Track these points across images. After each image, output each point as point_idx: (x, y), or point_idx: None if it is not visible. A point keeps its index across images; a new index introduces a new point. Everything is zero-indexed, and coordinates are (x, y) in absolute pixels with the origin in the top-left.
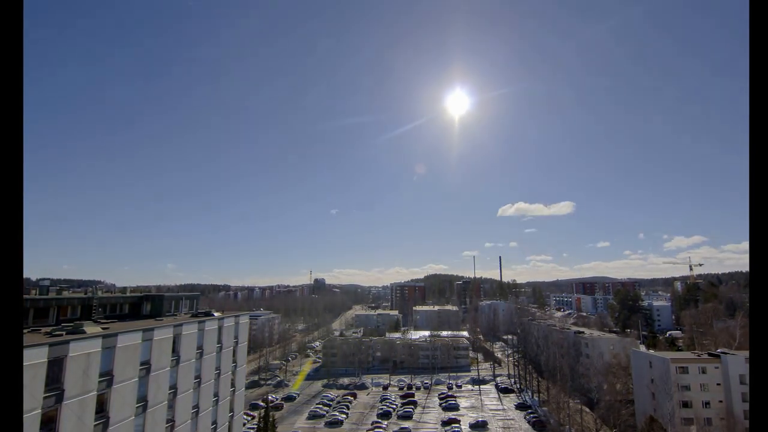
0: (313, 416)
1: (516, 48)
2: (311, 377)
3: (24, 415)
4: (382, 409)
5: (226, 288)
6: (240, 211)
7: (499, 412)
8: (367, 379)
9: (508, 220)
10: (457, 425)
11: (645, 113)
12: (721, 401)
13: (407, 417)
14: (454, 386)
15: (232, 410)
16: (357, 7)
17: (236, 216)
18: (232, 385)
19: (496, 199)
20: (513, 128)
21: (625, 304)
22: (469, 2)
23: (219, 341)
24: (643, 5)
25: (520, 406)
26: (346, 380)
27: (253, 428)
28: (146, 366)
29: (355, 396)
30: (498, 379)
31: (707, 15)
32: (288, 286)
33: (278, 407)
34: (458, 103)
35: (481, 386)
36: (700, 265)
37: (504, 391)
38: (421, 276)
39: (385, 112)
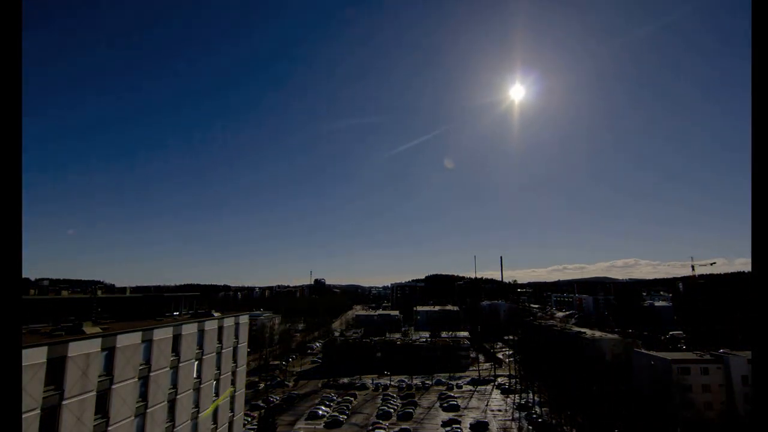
0: (313, 417)
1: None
2: (311, 377)
3: (23, 415)
4: (382, 409)
5: (226, 288)
6: (240, 210)
7: (499, 413)
8: (368, 379)
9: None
10: (458, 425)
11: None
12: (723, 402)
13: (407, 417)
14: (454, 386)
15: (232, 410)
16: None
17: (237, 216)
18: (232, 385)
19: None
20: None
21: (626, 305)
22: None
23: (219, 341)
24: None
25: (520, 407)
26: (346, 380)
27: (253, 428)
28: (146, 366)
29: (355, 396)
30: (499, 379)
31: None
32: (288, 286)
33: (278, 407)
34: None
35: (482, 386)
36: (713, 263)
37: (504, 391)
38: (422, 276)
39: (396, 114)
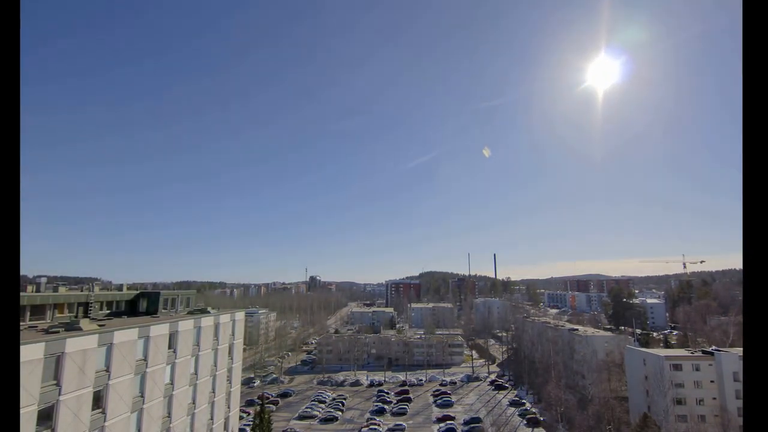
0: (308, 413)
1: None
2: (306, 373)
3: (21, 411)
4: (376, 405)
5: (222, 285)
6: (237, 208)
7: (492, 409)
8: (362, 375)
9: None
10: (451, 422)
11: None
12: (714, 398)
13: (402, 413)
14: (448, 383)
15: (228, 406)
16: None
17: (233, 213)
18: (228, 381)
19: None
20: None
21: (618, 302)
22: None
23: (215, 338)
24: None
25: (513, 403)
26: (341, 377)
27: (248, 424)
28: (143, 362)
29: (349, 392)
30: (492, 376)
31: None
32: (284, 283)
33: (274, 403)
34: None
35: (475, 383)
36: (702, 262)
37: (498, 387)
38: (416, 273)
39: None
